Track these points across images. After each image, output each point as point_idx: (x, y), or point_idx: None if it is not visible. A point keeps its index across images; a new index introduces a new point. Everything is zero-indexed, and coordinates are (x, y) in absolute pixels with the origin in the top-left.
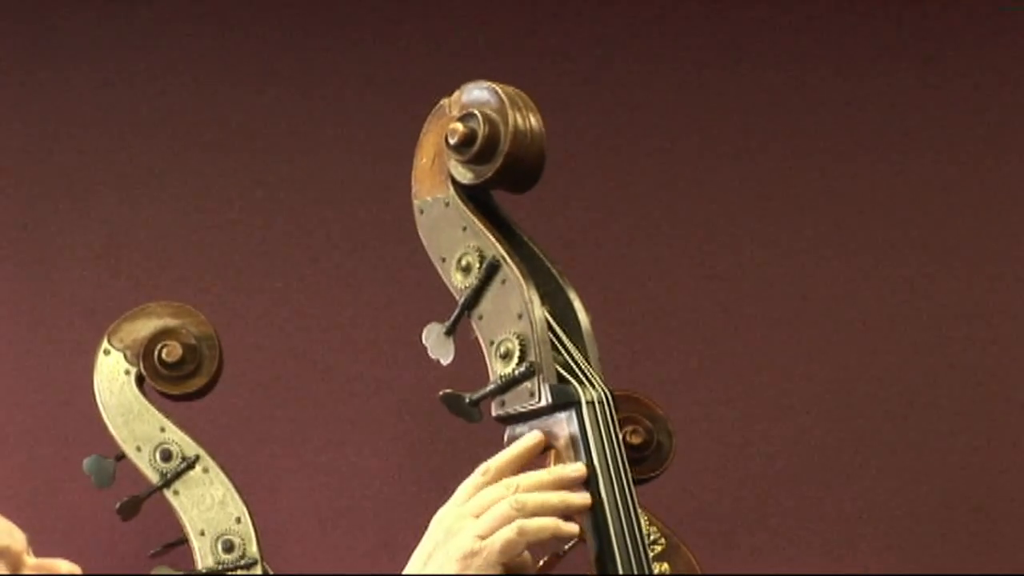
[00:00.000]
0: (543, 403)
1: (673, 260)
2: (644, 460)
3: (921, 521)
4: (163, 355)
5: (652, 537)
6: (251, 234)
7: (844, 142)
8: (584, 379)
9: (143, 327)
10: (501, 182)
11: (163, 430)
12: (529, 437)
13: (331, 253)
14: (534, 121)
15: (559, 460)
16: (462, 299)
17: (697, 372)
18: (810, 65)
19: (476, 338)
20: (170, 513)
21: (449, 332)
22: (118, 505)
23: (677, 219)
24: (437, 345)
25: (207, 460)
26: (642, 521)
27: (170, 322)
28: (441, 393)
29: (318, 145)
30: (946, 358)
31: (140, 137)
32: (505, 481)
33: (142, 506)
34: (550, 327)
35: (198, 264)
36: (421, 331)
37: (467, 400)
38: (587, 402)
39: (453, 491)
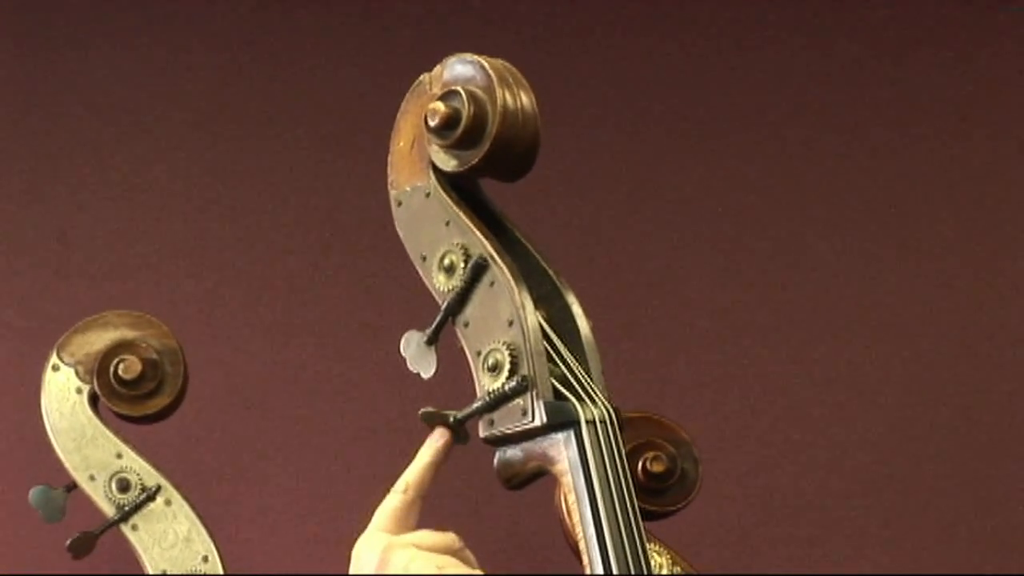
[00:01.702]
0: (537, 422)
1: (689, 257)
2: (667, 491)
3: (975, 557)
4: (120, 371)
5: None
6: (217, 235)
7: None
8: (584, 395)
9: (97, 339)
10: (489, 170)
11: (120, 456)
12: (434, 438)
13: (304, 254)
14: (526, 100)
15: (558, 489)
16: (445, 303)
17: (720, 388)
18: (833, 35)
19: (462, 347)
20: (128, 551)
21: (431, 341)
22: (69, 542)
23: (692, 211)
24: (417, 356)
25: (170, 491)
26: (651, 560)
27: (128, 334)
28: (422, 411)
29: (286, 131)
30: (996, 377)
31: (94, 129)
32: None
33: (96, 543)
34: (545, 335)
35: (159, 268)
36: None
37: (451, 419)
38: (587, 421)
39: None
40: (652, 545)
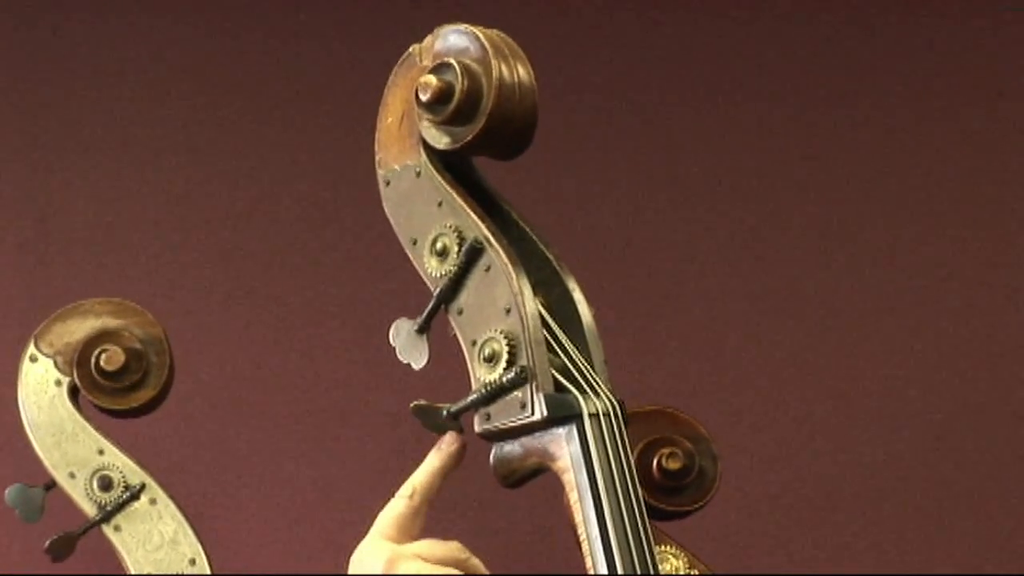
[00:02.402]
0: (537, 416)
1: (702, 238)
2: (683, 490)
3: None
4: (102, 362)
5: None
6: (203, 219)
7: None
8: (587, 387)
9: (77, 328)
10: (484, 147)
11: (102, 453)
12: (447, 442)
13: (293, 239)
14: (523, 73)
15: (561, 487)
16: (437, 290)
17: (739, 380)
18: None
19: (455, 336)
20: (111, 553)
21: (422, 330)
22: (47, 544)
23: (705, 187)
24: (407, 346)
25: (155, 489)
26: (668, 563)
27: (110, 322)
28: (413, 405)
29: (270, 111)
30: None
31: (74, 109)
32: (457, 546)
33: (76, 545)
34: (544, 323)
35: (143, 253)
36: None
37: (444, 413)
38: (590, 415)
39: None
40: (668, 547)
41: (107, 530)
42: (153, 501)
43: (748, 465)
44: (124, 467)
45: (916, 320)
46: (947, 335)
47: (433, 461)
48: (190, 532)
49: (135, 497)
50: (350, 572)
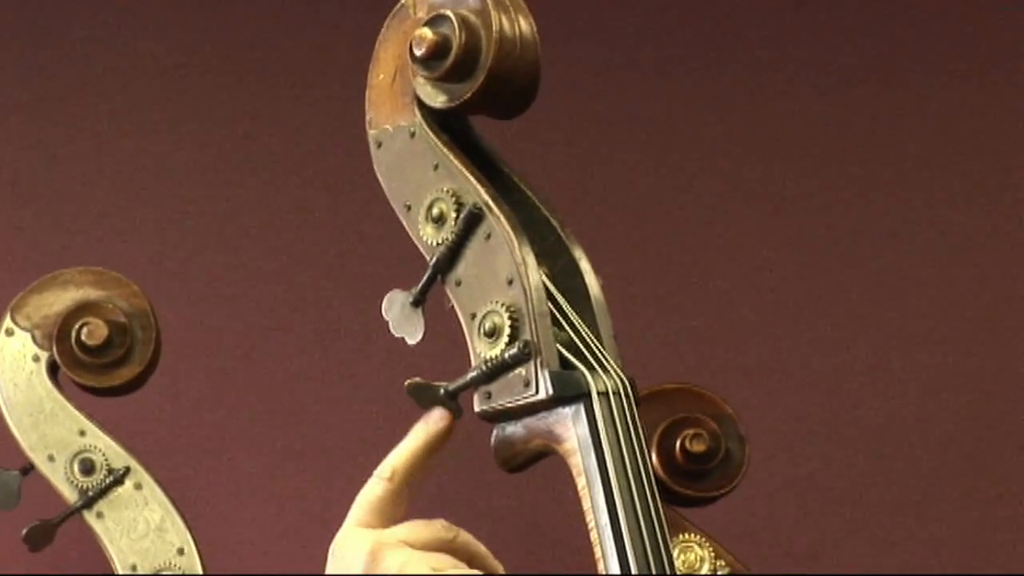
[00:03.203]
0: (541, 395)
1: (722, 203)
2: (709, 474)
3: None
4: (83, 336)
5: (720, 575)
6: (190, 184)
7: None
8: (595, 363)
9: (57, 300)
10: (483, 105)
11: (83, 434)
12: (433, 418)
13: (282, 206)
14: (525, 25)
15: (569, 469)
16: (433, 259)
17: (767, 355)
18: None
19: (453, 309)
20: (92, 542)
21: (417, 303)
22: (24, 532)
23: (722, 149)
24: (401, 320)
25: (140, 473)
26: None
27: (92, 294)
28: (407, 383)
29: (257, 67)
30: None
31: (54, 64)
32: (443, 524)
33: (56, 533)
34: (549, 295)
35: (127, 220)
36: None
37: (441, 392)
38: (599, 393)
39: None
40: (691, 536)
41: (89, 517)
42: (138, 486)
43: (778, 447)
44: (107, 449)
45: (962, 291)
46: (993, 308)
47: (416, 438)
48: (178, 519)
49: (119, 482)
50: (329, 569)
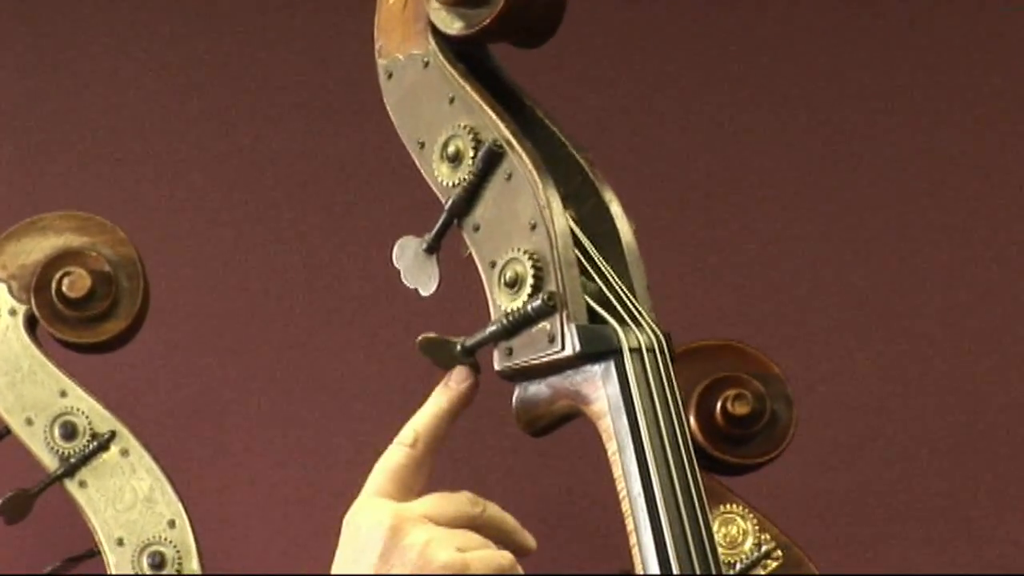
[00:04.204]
0: (568, 351)
1: (766, 141)
2: (752, 439)
3: None
4: (64, 288)
5: (765, 549)
6: (181, 119)
7: None
8: (627, 316)
9: (35, 248)
10: (504, 33)
11: (64, 395)
12: (456, 378)
13: (283, 144)
14: None
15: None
16: (449, 202)
17: (811, 308)
18: None
19: (471, 256)
20: (75, 513)
21: (431, 250)
22: (0, 502)
23: (766, 83)
24: (414, 268)
25: (127, 438)
26: (734, 525)
27: (74, 241)
28: (420, 339)
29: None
30: None
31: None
32: (469, 498)
33: (34, 504)
34: (576, 242)
35: (111, 159)
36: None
37: (458, 348)
38: (632, 349)
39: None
40: (734, 506)
41: (70, 486)
42: (125, 452)
43: (827, 410)
44: (90, 412)
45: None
46: None
47: (439, 401)
48: (168, 489)
49: (103, 447)
50: (344, 541)
